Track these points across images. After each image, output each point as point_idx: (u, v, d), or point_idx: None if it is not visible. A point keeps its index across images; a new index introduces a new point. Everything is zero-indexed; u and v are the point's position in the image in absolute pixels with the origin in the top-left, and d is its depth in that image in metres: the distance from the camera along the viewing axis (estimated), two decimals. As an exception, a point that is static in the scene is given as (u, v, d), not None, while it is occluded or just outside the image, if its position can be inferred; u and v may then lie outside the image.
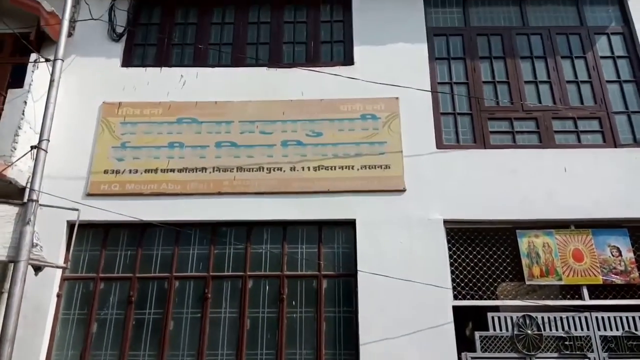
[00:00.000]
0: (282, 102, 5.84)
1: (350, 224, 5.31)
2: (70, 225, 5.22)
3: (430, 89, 5.86)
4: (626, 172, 5.46)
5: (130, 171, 5.57)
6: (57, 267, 5.02)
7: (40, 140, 4.81)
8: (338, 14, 6.49)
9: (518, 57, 6.14)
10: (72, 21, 5.96)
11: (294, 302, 5.13)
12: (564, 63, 6.10)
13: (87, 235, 5.40)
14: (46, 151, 4.81)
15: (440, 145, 5.68)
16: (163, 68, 6.10)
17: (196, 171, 5.56)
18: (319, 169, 5.54)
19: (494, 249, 5.34)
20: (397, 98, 5.77)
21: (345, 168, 5.54)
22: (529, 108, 5.87)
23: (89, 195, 5.43)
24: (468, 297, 5.11)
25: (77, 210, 4.84)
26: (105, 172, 5.56)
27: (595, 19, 6.37)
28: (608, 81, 6.02)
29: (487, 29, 6.33)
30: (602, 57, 6.11)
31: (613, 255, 5.18)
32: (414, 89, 5.69)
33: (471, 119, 5.87)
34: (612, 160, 5.54)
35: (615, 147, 5.67)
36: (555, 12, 6.41)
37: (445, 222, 5.28)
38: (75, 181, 5.48)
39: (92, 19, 5.91)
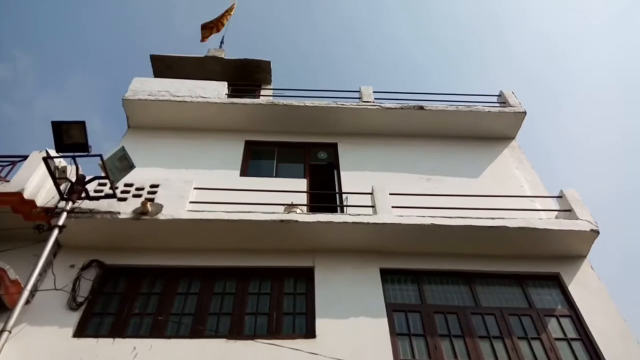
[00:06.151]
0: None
1: None
2: None
3: (393, 367, 5.67)
4: None
5: None
6: None
7: None
8: (301, 287, 6.69)
9: (476, 337, 6.15)
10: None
11: None
12: (521, 344, 6.10)
13: None
14: None
15: None
16: (116, 339, 5.79)
17: None
18: None
19: None
20: (360, 376, 5.52)
21: None
22: (499, 393, 5.62)
23: None
24: None
25: None
26: None
27: (542, 302, 6.65)
28: (568, 363, 5.98)
29: (443, 307, 6.51)
30: (556, 339, 6.18)
31: None
32: (377, 367, 5.53)
33: (441, 403, 5.52)
34: None
35: None
36: (503, 294, 6.73)
37: None
38: None
39: (55, 289, 5.91)
